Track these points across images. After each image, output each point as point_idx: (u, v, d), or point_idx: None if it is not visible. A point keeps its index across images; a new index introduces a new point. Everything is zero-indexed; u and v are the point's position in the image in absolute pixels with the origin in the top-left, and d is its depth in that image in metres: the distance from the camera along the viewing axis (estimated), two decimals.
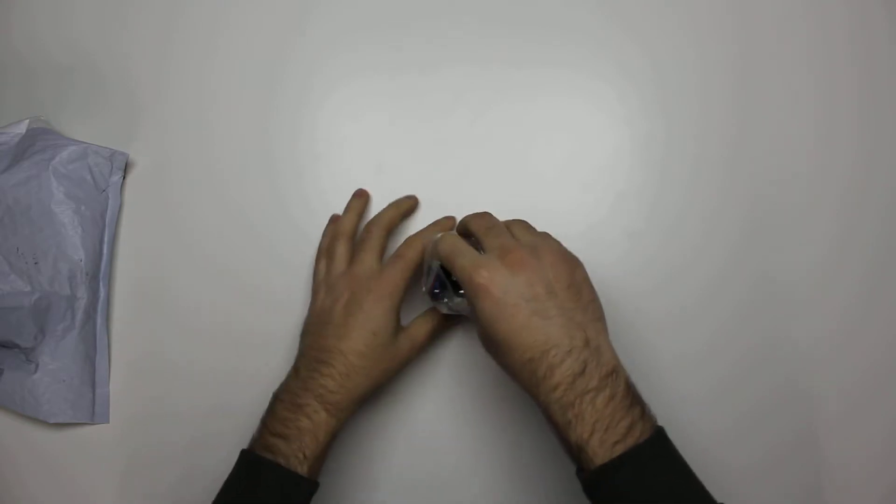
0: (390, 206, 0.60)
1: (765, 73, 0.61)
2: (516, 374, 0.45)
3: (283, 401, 0.50)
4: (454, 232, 0.55)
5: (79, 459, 0.61)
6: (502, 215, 0.60)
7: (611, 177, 0.61)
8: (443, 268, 0.51)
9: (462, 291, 0.49)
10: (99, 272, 0.62)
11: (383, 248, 0.56)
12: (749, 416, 0.57)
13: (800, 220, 0.59)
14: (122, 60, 0.66)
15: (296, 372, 0.52)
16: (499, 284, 0.45)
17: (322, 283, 0.56)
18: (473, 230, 0.51)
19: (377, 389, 0.52)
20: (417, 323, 0.55)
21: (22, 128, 0.62)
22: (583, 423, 0.42)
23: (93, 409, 0.61)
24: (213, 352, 0.61)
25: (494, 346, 0.46)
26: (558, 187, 0.61)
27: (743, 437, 0.57)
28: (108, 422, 0.61)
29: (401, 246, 0.55)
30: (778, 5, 0.62)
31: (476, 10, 0.64)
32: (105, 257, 0.62)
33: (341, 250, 0.56)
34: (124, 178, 0.64)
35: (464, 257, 0.47)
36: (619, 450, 0.41)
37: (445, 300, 0.52)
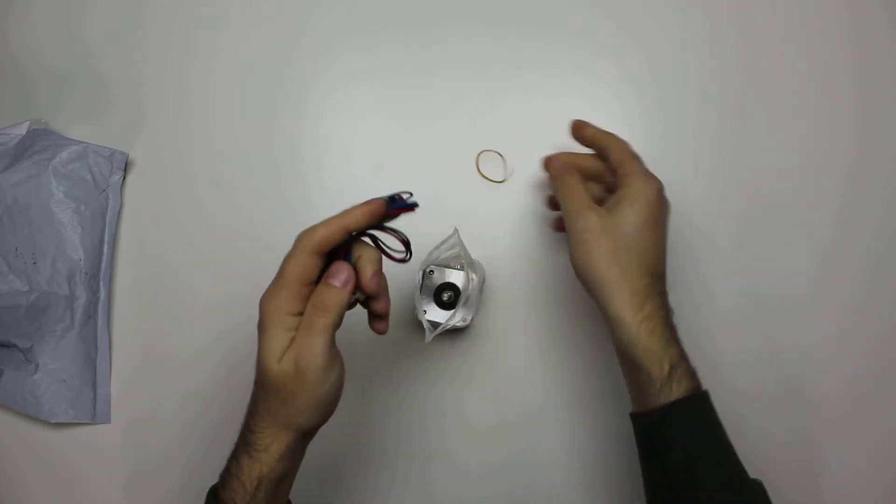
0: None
1: (765, 74, 0.61)
2: (629, 276, 0.46)
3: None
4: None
5: (80, 459, 0.61)
6: (502, 215, 0.61)
7: None
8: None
9: (449, 303, 0.48)
10: (99, 272, 0.62)
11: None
12: (748, 416, 0.57)
13: (798, 220, 0.59)
14: (122, 62, 0.66)
15: None
16: (663, 205, 0.49)
17: None
18: (619, 154, 0.51)
19: (304, 431, 0.43)
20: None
21: (22, 129, 0.62)
22: (676, 346, 0.45)
23: (94, 409, 0.61)
24: (215, 352, 0.61)
25: (629, 243, 0.46)
26: None
27: (742, 436, 0.57)
28: (109, 422, 0.61)
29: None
30: (778, 5, 0.62)
31: (476, 11, 0.64)
32: (105, 257, 0.62)
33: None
34: (124, 177, 0.64)
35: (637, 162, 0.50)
36: (695, 382, 0.45)
37: (427, 314, 0.50)
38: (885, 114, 0.60)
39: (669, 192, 0.60)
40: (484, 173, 0.60)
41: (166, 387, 0.61)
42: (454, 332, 0.59)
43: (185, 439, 0.60)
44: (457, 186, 0.61)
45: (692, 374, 0.45)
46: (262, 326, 0.43)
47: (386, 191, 0.62)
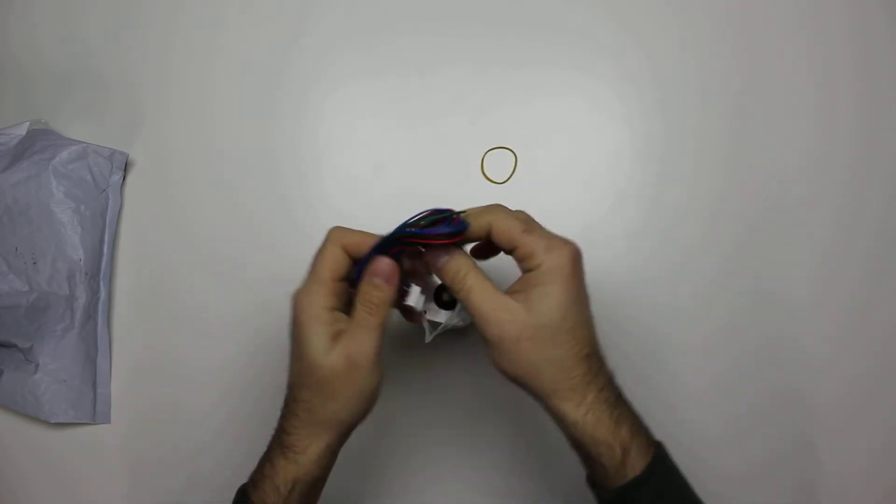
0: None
1: (765, 73, 0.61)
2: (563, 371, 0.41)
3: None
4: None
5: (80, 459, 0.61)
6: None
7: (611, 176, 0.61)
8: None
9: (449, 303, 0.47)
10: (99, 272, 0.62)
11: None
12: (746, 417, 0.57)
13: (798, 220, 0.59)
14: (122, 62, 0.66)
15: None
16: (580, 270, 0.41)
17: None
18: (505, 232, 0.43)
19: (346, 427, 0.44)
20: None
21: (22, 129, 0.62)
22: (626, 422, 0.41)
23: (94, 409, 0.61)
24: (215, 351, 0.61)
25: (554, 334, 0.40)
26: (558, 187, 0.61)
27: (739, 439, 0.57)
28: (109, 422, 0.61)
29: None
30: (778, 5, 0.62)
31: (476, 11, 0.64)
32: (106, 257, 0.62)
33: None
34: (124, 177, 0.64)
35: (536, 232, 0.42)
36: (651, 451, 0.41)
37: (427, 315, 0.49)
38: (885, 114, 0.60)
39: (669, 192, 0.60)
40: (487, 173, 0.60)
41: (166, 387, 0.61)
42: (454, 332, 0.58)
43: (185, 439, 0.60)
44: (457, 186, 0.61)
45: (646, 445, 0.41)
46: (299, 323, 0.42)
47: (385, 191, 0.62)
